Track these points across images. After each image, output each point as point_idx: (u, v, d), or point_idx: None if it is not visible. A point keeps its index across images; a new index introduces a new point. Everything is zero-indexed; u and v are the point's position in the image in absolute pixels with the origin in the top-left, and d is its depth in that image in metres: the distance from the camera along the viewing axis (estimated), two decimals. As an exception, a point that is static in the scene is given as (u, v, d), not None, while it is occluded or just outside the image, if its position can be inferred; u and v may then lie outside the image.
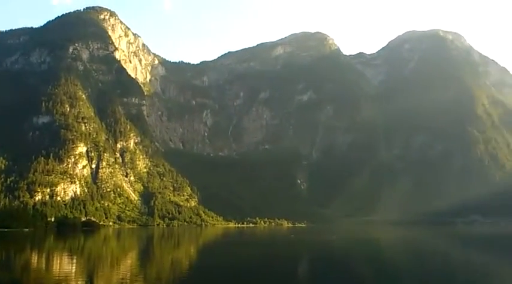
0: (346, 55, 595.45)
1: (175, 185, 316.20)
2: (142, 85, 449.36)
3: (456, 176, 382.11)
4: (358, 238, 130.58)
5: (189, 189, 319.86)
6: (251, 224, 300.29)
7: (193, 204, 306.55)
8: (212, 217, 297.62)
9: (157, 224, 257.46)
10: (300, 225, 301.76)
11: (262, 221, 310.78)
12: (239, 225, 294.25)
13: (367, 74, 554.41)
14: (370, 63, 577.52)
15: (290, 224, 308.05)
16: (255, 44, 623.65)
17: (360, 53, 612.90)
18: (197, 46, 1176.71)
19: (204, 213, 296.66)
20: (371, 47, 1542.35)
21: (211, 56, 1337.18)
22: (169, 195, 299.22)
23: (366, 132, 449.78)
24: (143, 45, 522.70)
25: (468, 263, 58.97)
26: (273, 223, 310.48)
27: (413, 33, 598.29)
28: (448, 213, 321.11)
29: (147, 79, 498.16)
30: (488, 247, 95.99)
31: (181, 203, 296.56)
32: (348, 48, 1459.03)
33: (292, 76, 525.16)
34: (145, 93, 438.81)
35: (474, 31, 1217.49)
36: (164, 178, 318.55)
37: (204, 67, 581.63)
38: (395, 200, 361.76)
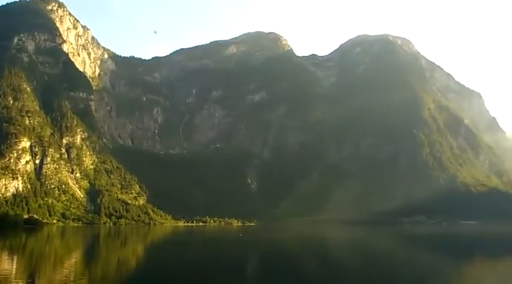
0: (299, 56, 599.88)
1: (123, 183, 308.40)
2: (90, 80, 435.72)
3: (403, 177, 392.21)
4: (307, 236, 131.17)
5: (138, 187, 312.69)
6: (201, 224, 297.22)
7: (141, 202, 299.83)
8: (161, 216, 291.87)
9: (104, 223, 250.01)
10: (250, 224, 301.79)
11: (212, 221, 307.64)
12: (188, 224, 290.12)
13: (319, 75, 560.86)
14: (323, 64, 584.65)
15: (240, 224, 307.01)
16: (208, 42, 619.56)
17: (312, 54, 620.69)
18: (149, 41, 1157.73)
19: (152, 211, 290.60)
20: (323, 49, 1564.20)
21: (163, 52, 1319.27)
22: (116, 193, 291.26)
23: (317, 133, 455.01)
24: (93, 38, 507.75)
25: (409, 260, 60.48)
26: (222, 222, 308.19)
27: (364, 37, 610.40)
28: (394, 213, 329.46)
29: (96, 74, 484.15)
30: (429, 246, 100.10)
31: (129, 201, 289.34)
32: (301, 49, 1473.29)
33: (245, 76, 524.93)
34: (94, 88, 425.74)
35: (421, 37, 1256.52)
36: (112, 176, 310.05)
37: (155, 63, 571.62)
38: (344, 200, 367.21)
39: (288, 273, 43.92)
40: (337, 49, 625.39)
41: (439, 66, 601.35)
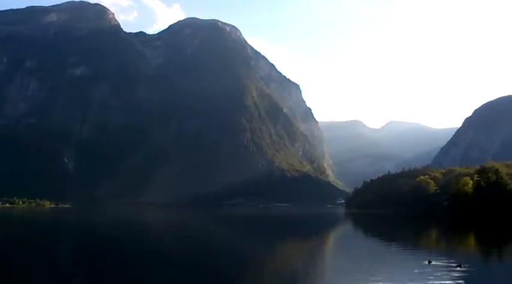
0: (126, 32, 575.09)
1: None
2: None
3: (224, 161, 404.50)
4: (124, 219, 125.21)
5: None
6: (8, 205, 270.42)
7: None
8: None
9: None
10: (65, 206, 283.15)
11: (21, 202, 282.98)
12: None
13: (147, 54, 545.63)
14: (151, 44, 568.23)
15: (53, 205, 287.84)
16: (24, 6, 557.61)
17: (140, 31, 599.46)
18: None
19: None
20: (152, 29, 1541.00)
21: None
22: None
23: (141, 113, 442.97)
24: None
25: (223, 241, 60.80)
26: (33, 204, 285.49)
27: (194, 20, 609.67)
28: (215, 195, 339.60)
29: None
30: (243, 227, 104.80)
31: None
32: (129, 26, 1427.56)
33: (65, 47, 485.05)
34: None
35: (248, 26, 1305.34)
36: None
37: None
38: (166, 182, 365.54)
39: (99, 259, 38.38)
40: (166, 29, 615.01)
41: (264, 56, 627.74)
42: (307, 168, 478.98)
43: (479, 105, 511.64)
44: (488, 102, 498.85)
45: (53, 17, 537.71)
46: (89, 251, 44.88)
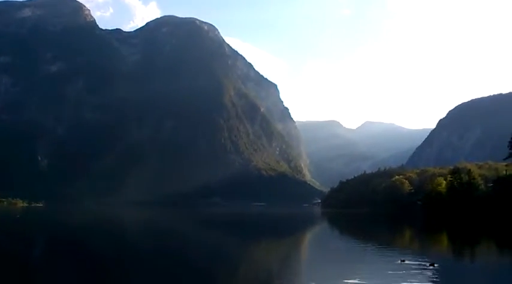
0: (102, 29, 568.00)
1: None
2: None
3: (201, 160, 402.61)
4: (100, 219, 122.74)
5: None
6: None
7: None
8: None
9: None
10: (38, 205, 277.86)
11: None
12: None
13: (123, 52, 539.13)
14: (127, 41, 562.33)
15: (25, 204, 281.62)
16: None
17: (117, 28, 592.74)
18: None
19: None
20: (128, 26, 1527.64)
21: None
22: None
23: (117, 111, 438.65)
24: None
25: (198, 241, 60.20)
26: (5, 202, 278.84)
27: (172, 18, 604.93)
28: (192, 194, 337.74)
29: None
30: (219, 226, 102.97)
31: None
32: (105, 23, 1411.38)
33: (40, 43, 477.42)
34: None
35: (226, 25, 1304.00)
36: None
37: None
38: (142, 182, 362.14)
39: (71, 262, 37.39)
40: (143, 26, 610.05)
41: (241, 55, 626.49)
42: (284, 167, 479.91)
43: (453, 107, 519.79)
44: (461, 104, 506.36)
45: (27, 12, 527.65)
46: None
